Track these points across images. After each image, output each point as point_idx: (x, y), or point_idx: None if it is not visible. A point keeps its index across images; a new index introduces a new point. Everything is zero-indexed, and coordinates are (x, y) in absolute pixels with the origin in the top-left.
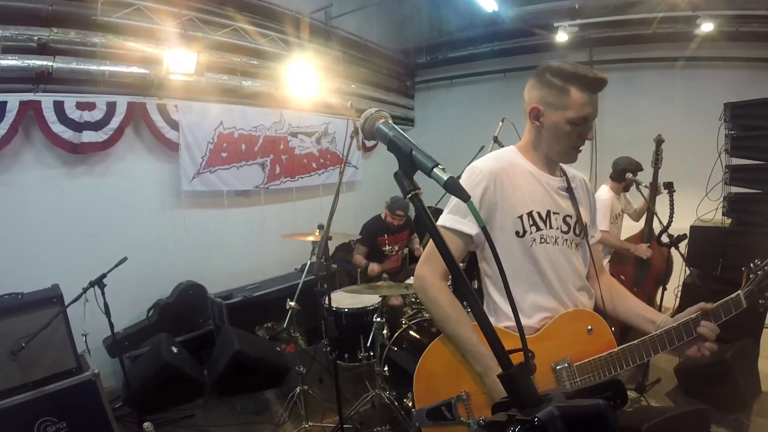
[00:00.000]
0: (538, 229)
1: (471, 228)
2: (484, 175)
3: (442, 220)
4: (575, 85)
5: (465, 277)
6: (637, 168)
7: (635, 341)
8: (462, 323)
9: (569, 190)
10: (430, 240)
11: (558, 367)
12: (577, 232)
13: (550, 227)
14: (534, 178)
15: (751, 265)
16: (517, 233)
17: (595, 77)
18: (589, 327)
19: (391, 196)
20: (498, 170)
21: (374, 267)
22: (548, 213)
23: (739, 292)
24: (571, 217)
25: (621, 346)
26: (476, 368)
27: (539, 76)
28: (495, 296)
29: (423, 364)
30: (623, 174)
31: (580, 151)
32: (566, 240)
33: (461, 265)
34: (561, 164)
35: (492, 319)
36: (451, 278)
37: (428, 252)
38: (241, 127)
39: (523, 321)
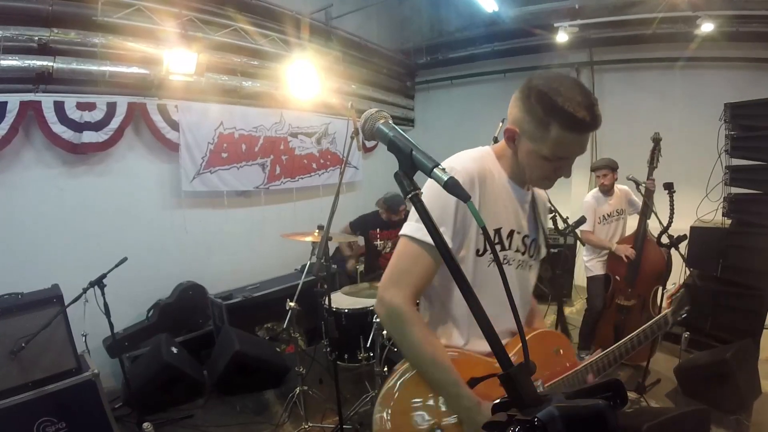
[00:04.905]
0: (503, 248)
1: (446, 241)
2: (462, 177)
3: (409, 229)
4: (557, 122)
5: (465, 276)
6: (602, 164)
7: (592, 359)
8: (440, 362)
9: (532, 205)
10: (395, 255)
11: None
12: (531, 253)
13: (509, 248)
14: (507, 192)
15: (665, 290)
16: (477, 251)
17: (583, 121)
18: (556, 348)
19: (385, 194)
20: (479, 175)
21: (352, 264)
22: (511, 232)
23: (666, 312)
24: (528, 237)
25: (583, 363)
26: (455, 410)
27: (524, 96)
28: (459, 316)
29: (385, 408)
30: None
31: (554, 181)
32: (521, 262)
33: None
34: None
35: (443, 340)
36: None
37: (395, 271)
38: (242, 128)
39: (482, 345)
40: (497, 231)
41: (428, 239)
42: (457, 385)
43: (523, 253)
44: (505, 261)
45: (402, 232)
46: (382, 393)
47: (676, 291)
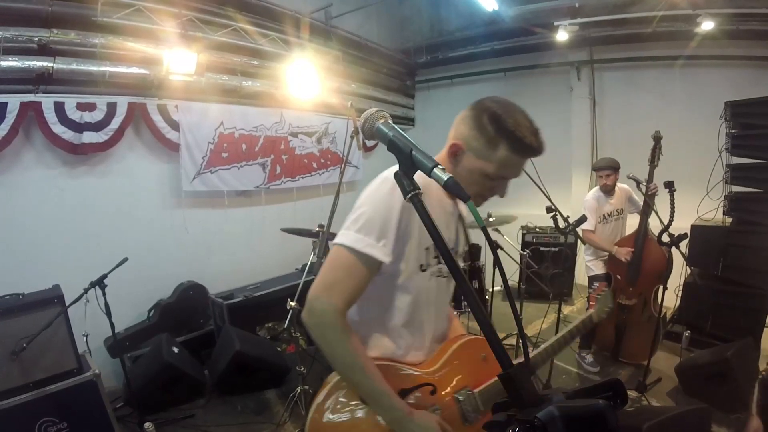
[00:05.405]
0: (439, 262)
1: (385, 254)
2: None
3: (348, 239)
4: (506, 143)
5: (465, 277)
6: (605, 165)
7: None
8: (370, 372)
9: (459, 219)
10: (328, 264)
11: (461, 398)
12: None
13: (443, 261)
14: (442, 206)
15: (590, 289)
16: (420, 266)
17: (531, 146)
18: (483, 354)
19: None
20: (421, 187)
21: None
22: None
23: (591, 311)
24: (454, 250)
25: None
26: (388, 419)
27: (475, 114)
28: (394, 327)
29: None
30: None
31: (487, 199)
32: (447, 274)
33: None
34: None
35: (374, 352)
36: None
37: (328, 280)
38: (242, 128)
39: (417, 356)
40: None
41: (368, 251)
42: (389, 396)
43: None
44: (440, 274)
45: (338, 241)
46: (316, 404)
47: (599, 291)
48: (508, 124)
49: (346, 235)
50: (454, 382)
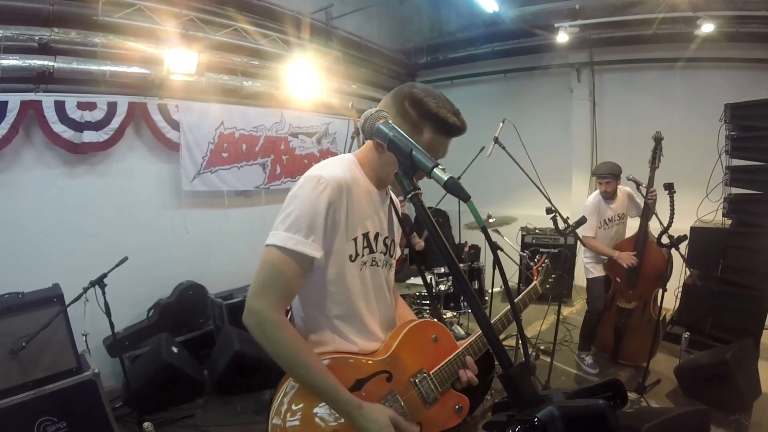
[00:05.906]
0: (371, 251)
1: (316, 250)
2: (331, 186)
3: (278, 239)
4: (430, 126)
5: (465, 277)
6: (606, 172)
7: (470, 340)
8: (316, 367)
9: (390, 208)
10: (261, 265)
11: (417, 380)
12: (391, 253)
13: (376, 250)
14: (370, 197)
15: (531, 263)
16: (350, 257)
17: (454, 125)
18: (434, 336)
19: None
20: (345, 183)
21: None
22: (377, 235)
23: (535, 282)
24: (387, 238)
25: (462, 346)
26: (339, 412)
27: (397, 101)
28: (337, 318)
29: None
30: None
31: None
32: (385, 262)
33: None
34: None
35: (325, 347)
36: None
37: (263, 280)
38: (242, 128)
39: (370, 345)
40: (365, 235)
41: (299, 248)
42: (337, 390)
43: (385, 254)
44: (374, 263)
45: (269, 242)
46: (274, 407)
47: (541, 263)
48: (430, 107)
49: (276, 236)
50: (409, 366)
